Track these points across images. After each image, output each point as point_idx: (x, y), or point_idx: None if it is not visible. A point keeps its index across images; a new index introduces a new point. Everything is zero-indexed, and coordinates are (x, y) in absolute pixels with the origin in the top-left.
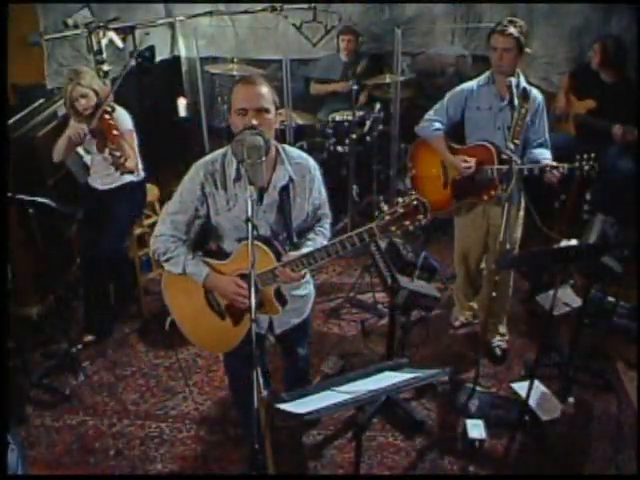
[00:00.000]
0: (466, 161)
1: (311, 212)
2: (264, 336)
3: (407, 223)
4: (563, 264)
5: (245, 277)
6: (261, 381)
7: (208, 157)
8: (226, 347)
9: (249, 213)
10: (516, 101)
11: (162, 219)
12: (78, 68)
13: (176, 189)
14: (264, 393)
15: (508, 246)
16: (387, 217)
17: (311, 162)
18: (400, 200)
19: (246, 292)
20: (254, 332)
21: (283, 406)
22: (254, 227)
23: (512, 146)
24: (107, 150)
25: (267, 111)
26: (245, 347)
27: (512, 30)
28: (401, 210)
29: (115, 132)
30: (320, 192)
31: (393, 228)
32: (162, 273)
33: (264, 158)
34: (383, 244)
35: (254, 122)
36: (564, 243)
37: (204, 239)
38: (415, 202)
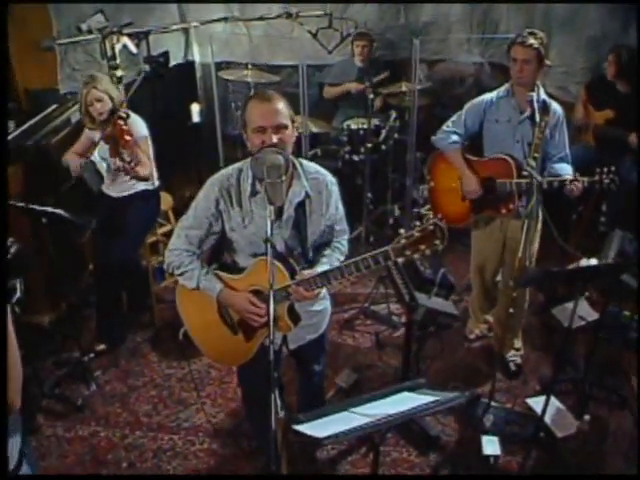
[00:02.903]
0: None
1: (327, 228)
2: (278, 351)
3: (423, 247)
4: (582, 283)
5: (258, 293)
6: (279, 402)
7: (223, 172)
8: (238, 361)
9: (269, 234)
10: (537, 117)
11: (177, 233)
12: (94, 73)
13: (189, 196)
14: (281, 414)
15: (527, 263)
16: (403, 241)
17: (328, 177)
18: (417, 223)
19: (259, 310)
20: (272, 352)
21: (300, 427)
22: (273, 247)
23: (532, 162)
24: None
25: (286, 127)
26: (260, 361)
27: (532, 41)
28: (418, 234)
29: (127, 137)
30: (337, 208)
31: (409, 252)
32: (176, 283)
33: (284, 177)
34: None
35: (274, 140)
36: (584, 262)
37: (219, 252)
38: (432, 227)
